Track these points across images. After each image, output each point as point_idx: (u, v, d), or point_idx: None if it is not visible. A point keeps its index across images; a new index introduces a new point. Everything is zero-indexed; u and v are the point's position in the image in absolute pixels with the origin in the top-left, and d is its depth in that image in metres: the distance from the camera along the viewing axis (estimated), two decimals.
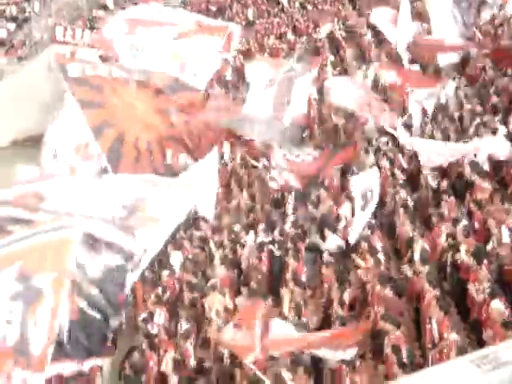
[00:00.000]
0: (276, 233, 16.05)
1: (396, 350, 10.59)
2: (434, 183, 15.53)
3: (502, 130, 15.84)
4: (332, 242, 15.11)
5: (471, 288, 11.81)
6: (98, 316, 9.79)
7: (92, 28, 37.13)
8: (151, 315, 14.98)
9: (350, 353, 10.66)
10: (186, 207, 14.16)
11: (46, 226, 8.72)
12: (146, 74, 19.70)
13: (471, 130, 16.87)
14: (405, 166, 16.50)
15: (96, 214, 11.03)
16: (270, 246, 15.60)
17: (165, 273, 16.38)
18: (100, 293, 9.94)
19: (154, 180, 15.04)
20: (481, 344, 10.75)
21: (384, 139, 18.26)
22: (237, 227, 17.37)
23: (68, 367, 9.95)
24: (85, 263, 9.96)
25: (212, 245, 16.66)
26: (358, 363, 10.83)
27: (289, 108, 20.31)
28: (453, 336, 10.68)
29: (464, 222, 13.38)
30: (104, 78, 19.14)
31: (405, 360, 10.37)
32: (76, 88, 18.49)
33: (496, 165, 15.36)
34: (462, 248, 12.60)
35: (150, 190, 13.48)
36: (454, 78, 19.73)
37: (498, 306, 10.74)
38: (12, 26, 38.21)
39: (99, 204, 11.57)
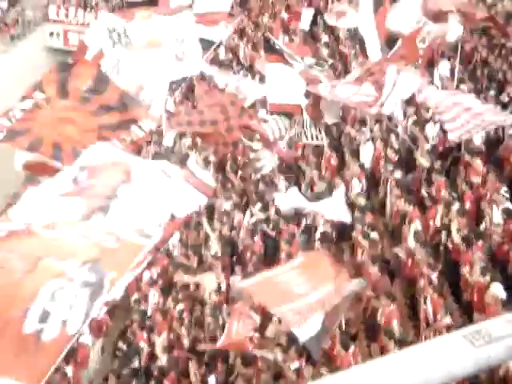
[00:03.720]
0: (271, 212, 16.02)
1: (390, 331, 10.66)
2: (426, 164, 15.49)
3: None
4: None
5: (464, 270, 11.86)
6: None
7: (86, 7, 36.87)
8: (145, 296, 15.00)
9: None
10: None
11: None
12: None
13: None
14: (396, 146, 16.43)
15: None
16: (264, 227, 15.60)
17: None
18: None
19: None
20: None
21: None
22: (228, 206, 17.33)
23: None
24: None
25: (206, 225, 16.63)
26: (351, 344, 10.90)
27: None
28: (446, 320, 10.74)
29: (457, 203, 13.39)
30: None
31: (397, 336, 10.42)
32: None
33: (491, 145, 15.33)
34: (454, 228, 12.61)
35: None
36: (449, 59, 19.50)
37: (496, 290, 10.79)
38: (4, 4, 37.93)
39: None
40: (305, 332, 9.91)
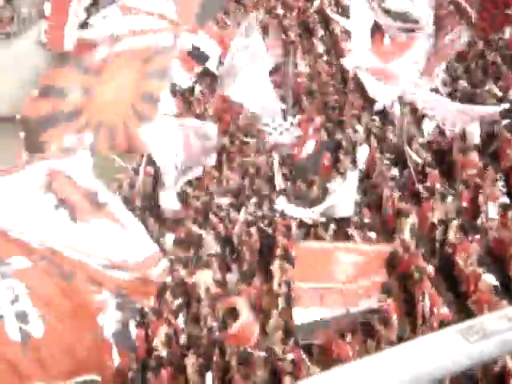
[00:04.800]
0: (265, 208, 16.04)
1: (386, 321, 10.68)
2: (419, 159, 15.50)
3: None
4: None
5: (459, 260, 11.88)
6: None
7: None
8: None
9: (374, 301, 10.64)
10: None
11: None
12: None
13: None
14: (393, 140, 16.43)
15: None
16: (260, 224, 15.62)
17: None
18: None
19: None
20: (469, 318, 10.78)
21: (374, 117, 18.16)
22: (223, 202, 17.33)
23: None
24: None
25: (196, 228, 16.55)
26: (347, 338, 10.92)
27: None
28: (444, 310, 10.77)
29: (451, 197, 13.43)
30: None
31: (395, 334, 10.44)
32: None
33: (487, 139, 15.35)
34: (451, 226, 12.65)
35: None
36: None
37: (489, 278, 10.88)
38: (0, 1, 37.87)
39: None
40: (305, 315, 10.02)
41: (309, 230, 15.00)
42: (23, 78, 28.97)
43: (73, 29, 18.19)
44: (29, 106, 14.66)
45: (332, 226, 14.63)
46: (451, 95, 17.02)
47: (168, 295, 14.29)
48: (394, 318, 11.13)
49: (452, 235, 12.49)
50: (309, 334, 10.64)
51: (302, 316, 10.30)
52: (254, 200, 16.54)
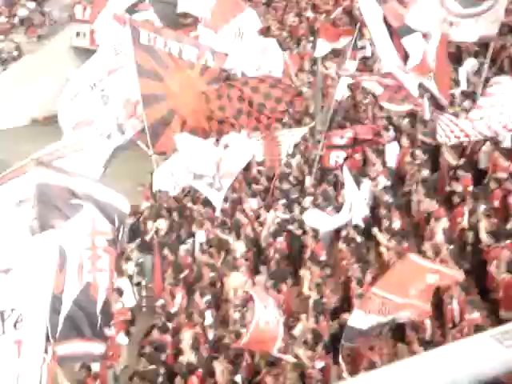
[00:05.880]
0: (296, 211, 15.99)
1: (417, 327, 10.58)
2: (453, 161, 15.37)
3: None
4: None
5: (491, 267, 11.76)
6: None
7: None
8: (169, 297, 14.97)
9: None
10: None
11: None
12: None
13: None
14: (427, 141, 16.27)
15: None
16: (290, 226, 15.60)
17: (182, 251, 16.45)
18: None
19: None
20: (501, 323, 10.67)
21: (405, 120, 17.96)
22: (253, 205, 17.30)
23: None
24: None
25: (221, 235, 16.53)
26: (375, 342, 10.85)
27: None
28: (474, 315, 10.65)
29: (483, 201, 13.29)
30: (171, 55, 19.19)
31: (427, 338, 10.35)
32: (142, 54, 18.73)
33: None
34: (482, 227, 12.51)
35: None
36: (476, 56, 19.21)
37: None
38: (32, 4, 38.22)
39: None
40: (362, 320, 10.05)
41: (338, 233, 14.97)
42: (54, 80, 29.21)
43: None
44: None
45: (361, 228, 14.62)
46: None
47: (197, 297, 14.30)
48: (428, 322, 11.04)
49: (483, 238, 12.35)
50: (354, 337, 10.56)
51: (358, 320, 10.24)
52: (282, 202, 16.48)
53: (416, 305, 10.55)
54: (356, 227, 14.60)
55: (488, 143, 14.95)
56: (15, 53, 36.10)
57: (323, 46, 19.53)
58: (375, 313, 10.28)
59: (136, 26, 19.22)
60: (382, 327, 10.68)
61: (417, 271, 10.54)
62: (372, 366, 10.31)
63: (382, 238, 13.74)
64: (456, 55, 19.51)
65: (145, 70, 18.76)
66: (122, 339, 14.29)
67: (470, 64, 18.92)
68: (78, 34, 35.67)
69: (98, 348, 9.83)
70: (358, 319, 10.26)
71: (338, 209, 15.38)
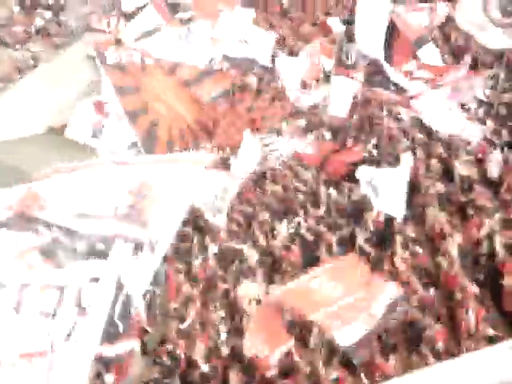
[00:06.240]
0: (310, 220, 15.97)
1: (432, 339, 10.55)
2: (468, 173, 15.32)
3: None
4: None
5: (507, 281, 11.71)
6: None
7: (126, 16, 37.18)
8: (185, 305, 14.99)
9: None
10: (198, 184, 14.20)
11: None
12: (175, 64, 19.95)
13: None
14: (444, 154, 16.25)
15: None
16: (303, 232, 15.57)
17: (196, 262, 16.45)
18: None
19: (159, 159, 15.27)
20: None
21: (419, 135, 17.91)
22: (265, 216, 17.30)
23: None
24: None
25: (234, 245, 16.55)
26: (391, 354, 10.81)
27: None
28: (489, 331, 10.61)
29: (499, 212, 13.23)
30: (138, 64, 19.54)
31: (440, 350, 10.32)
32: (113, 74, 18.97)
33: None
34: (497, 239, 12.46)
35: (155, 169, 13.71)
36: (490, 66, 19.07)
37: None
38: (48, 14, 38.51)
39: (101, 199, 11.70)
40: (346, 337, 9.86)
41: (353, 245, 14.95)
42: (70, 89, 29.39)
43: None
44: None
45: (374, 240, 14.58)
46: None
47: (211, 308, 14.32)
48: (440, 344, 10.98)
49: (499, 250, 12.31)
50: (356, 353, 10.48)
51: (343, 338, 10.15)
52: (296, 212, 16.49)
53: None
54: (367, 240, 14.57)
55: (498, 151, 14.94)
56: (31, 62, 36.35)
57: None
58: (348, 323, 10.18)
59: (100, 49, 19.53)
60: (375, 329, 10.58)
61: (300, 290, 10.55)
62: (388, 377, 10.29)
63: (399, 249, 13.67)
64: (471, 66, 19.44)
65: (121, 88, 18.97)
66: (131, 345, 14.21)
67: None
68: None
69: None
70: (343, 337, 10.15)
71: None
